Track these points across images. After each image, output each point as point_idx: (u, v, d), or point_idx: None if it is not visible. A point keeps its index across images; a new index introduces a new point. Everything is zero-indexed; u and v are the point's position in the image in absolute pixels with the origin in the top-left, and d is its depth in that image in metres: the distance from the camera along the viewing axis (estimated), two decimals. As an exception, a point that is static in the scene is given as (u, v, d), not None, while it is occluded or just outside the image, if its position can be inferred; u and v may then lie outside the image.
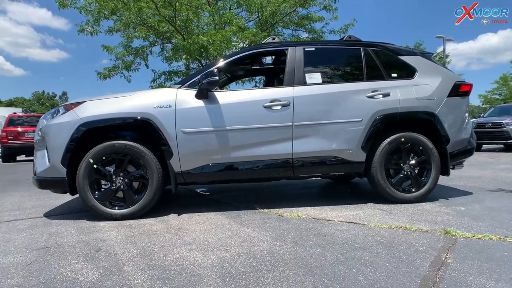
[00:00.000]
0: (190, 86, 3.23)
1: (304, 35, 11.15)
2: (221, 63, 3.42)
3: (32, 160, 12.14)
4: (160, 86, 10.91)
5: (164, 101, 3.11)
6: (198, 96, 3.15)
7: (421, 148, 3.43)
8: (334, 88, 3.38)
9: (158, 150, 3.11)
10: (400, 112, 3.38)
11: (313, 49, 3.56)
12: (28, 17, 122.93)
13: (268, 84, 4.74)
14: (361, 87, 3.40)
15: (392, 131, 3.41)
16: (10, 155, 11.72)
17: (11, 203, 4.08)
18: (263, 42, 3.72)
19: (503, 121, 10.80)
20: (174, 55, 8.97)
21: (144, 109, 3.06)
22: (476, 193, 3.91)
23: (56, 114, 3.14)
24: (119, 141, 3.05)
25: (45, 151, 3.09)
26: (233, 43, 8.61)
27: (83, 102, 3.14)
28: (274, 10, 8.74)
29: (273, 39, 3.69)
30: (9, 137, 11.25)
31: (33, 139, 10.93)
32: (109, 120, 3.04)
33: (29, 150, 11.56)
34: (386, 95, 3.39)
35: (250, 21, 10.76)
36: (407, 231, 2.49)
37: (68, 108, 3.12)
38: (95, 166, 3.01)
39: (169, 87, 3.31)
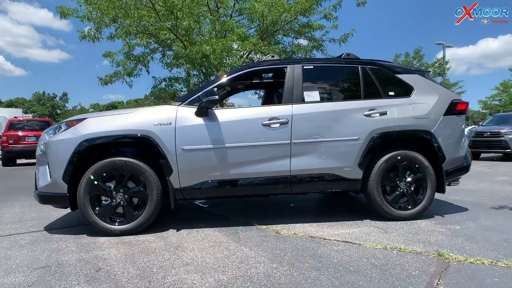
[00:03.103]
0: (190, 104, 3.28)
1: (304, 43, 11.22)
2: (222, 80, 3.48)
3: (31, 164, 12.17)
4: (161, 91, 10.98)
5: (164, 118, 3.16)
6: (198, 113, 3.21)
7: (417, 166, 3.48)
8: (332, 107, 3.43)
9: (158, 166, 3.16)
10: (396, 130, 3.44)
11: (312, 67, 3.62)
12: (29, 17, 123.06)
13: (267, 97, 4.79)
14: (359, 106, 3.46)
15: (389, 149, 3.47)
16: (10, 159, 11.77)
17: (12, 214, 4.12)
18: (263, 59, 3.78)
19: (502, 131, 10.86)
20: (176, 63, 9.04)
21: (145, 126, 3.12)
22: (471, 209, 3.96)
23: (58, 130, 3.19)
24: (120, 158, 3.10)
25: (47, 166, 3.14)
26: (233, 52, 8.68)
27: (85, 119, 3.19)
28: (275, 19, 8.81)
29: (273, 56, 3.75)
30: (10, 141, 11.31)
31: (33, 143, 10.98)
32: (110, 137, 3.09)
33: (29, 154, 11.62)
34: (383, 113, 3.44)
35: (251, 28, 10.84)
36: (401, 252, 2.54)
37: (70, 124, 3.17)
38: (95, 182, 3.06)
39: (169, 104, 3.36)
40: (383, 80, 3.67)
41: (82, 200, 3.04)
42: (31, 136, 11.54)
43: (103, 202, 3.15)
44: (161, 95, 11.34)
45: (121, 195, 3.11)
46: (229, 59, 9.09)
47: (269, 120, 3.26)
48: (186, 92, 11.97)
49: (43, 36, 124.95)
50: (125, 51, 9.83)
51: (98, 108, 64.38)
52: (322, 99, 3.49)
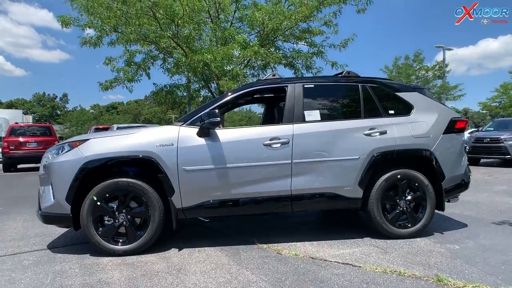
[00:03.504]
0: (192, 124, 3.31)
1: (305, 49, 11.25)
2: (224, 100, 3.52)
3: (32, 169, 12.19)
4: (162, 97, 11.00)
5: (166, 139, 3.20)
6: (200, 134, 3.24)
7: (416, 184, 3.51)
8: (333, 126, 3.46)
9: (160, 186, 3.20)
10: (396, 149, 3.47)
11: (312, 86, 3.66)
12: (29, 17, 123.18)
13: (268, 111, 4.83)
14: (359, 125, 3.49)
15: (389, 167, 3.50)
16: (11, 165, 11.81)
17: (15, 229, 4.16)
18: (264, 78, 3.81)
19: (501, 137, 10.89)
20: (177, 70, 9.08)
21: (147, 147, 3.15)
22: (470, 225, 3.99)
23: (61, 151, 3.22)
24: (122, 179, 3.13)
25: (50, 187, 3.17)
26: (234, 59, 8.71)
27: (88, 139, 3.23)
28: (275, 26, 8.84)
29: (274, 75, 3.78)
30: (11, 147, 11.34)
31: (34, 149, 10.99)
32: (113, 159, 3.13)
33: (30, 160, 11.66)
34: (383, 132, 3.48)
35: (252, 34, 10.87)
36: (401, 276, 2.57)
37: (73, 145, 3.20)
38: (98, 203, 3.09)
39: (171, 124, 3.39)
40: (383, 99, 3.70)
41: (85, 221, 3.07)
42: (32, 142, 11.58)
43: (106, 222, 3.18)
44: (161, 101, 11.38)
45: (123, 215, 3.14)
46: (229, 66, 9.10)
47: (270, 140, 3.30)
48: (187, 97, 12.02)
49: (43, 36, 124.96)
50: (125, 58, 9.85)
51: (98, 109, 64.45)
52: (323, 118, 3.52)
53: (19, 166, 12.77)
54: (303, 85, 3.60)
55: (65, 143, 3.29)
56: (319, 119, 3.50)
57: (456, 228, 3.88)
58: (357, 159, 3.39)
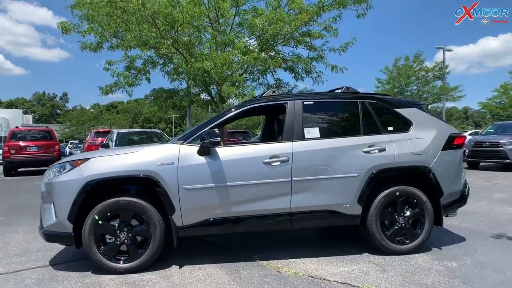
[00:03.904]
0: (193, 142, 3.34)
1: (304, 52, 11.26)
2: (224, 118, 3.55)
3: (32, 173, 12.20)
4: (162, 102, 11.02)
5: (167, 158, 3.22)
6: (200, 153, 3.26)
7: (415, 201, 3.54)
8: (332, 143, 3.49)
9: (160, 205, 3.23)
10: (395, 166, 3.50)
11: (312, 102, 3.68)
12: (29, 16, 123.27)
13: (268, 122, 4.85)
14: (358, 142, 3.52)
15: (387, 184, 3.53)
16: (11, 169, 11.85)
17: (17, 243, 4.19)
18: (263, 95, 3.84)
19: (501, 141, 10.94)
20: (177, 77, 9.10)
21: (148, 166, 3.18)
22: (468, 238, 4.03)
23: (63, 170, 3.25)
24: (124, 198, 3.16)
25: (52, 205, 3.20)
26: (234, 65, 8.72)
27: (89, 158, 3.25)
28: (275, 32, 8.86)
29: (273, 92, 3.81)
30: (11, 152, 11.38)
31: (34, 153, 11.02)
32: (114, 178, 3.16)
33: (30, 164, 11.69)
34: (382, 150, 3.51)
35: (252, 38, 10.88)
36: (399, 298, 2.60)
37: (74, 164, 3.23)
38: (100, 222, 3.12)
39: (172, 142, 3.42)
40: (382, 115, 3.73)
41: (87, 239, 3.10)
42: (32, 146, 11.61)
43: (108, 240, 3.21)
44: (161, 105, 11.40)
45: (125, 234, 3.18)
46: (228, 72, 9.10)
47: (270, 158, 3.32)
48: (187, 100, 12.01)
49: (43, 35, 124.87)
50: (125, 64, 9.87)
51: (98, 108, 64.46)
52: (322, 135, 3.54)
53: (19, 169, 12.80)
54: (303, 102, 3.63)
55: (67, 161, 3.32)
56: (319, 136, 3.53)
57: (454, 242, 3.91)
58: (356, 177, 3.42)
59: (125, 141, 9.52)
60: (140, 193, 3.30)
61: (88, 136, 15.38)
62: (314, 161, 3.40)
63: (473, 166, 11.88)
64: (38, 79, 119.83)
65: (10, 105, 70.86)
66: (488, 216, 5.13)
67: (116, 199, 3.15)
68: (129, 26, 8.34)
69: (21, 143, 11.56)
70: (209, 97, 11.38)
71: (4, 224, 5.16)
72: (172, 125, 67.70)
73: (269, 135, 4.61)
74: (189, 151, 3.28)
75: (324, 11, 9.81)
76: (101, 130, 14.81)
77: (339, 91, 3.95)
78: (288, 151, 3.37)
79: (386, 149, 3.51)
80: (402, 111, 3.77)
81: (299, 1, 9.10)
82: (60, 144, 26.49)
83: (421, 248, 3.57)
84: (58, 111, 78.59)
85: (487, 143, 11.29)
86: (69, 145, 28.67)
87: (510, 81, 31.28)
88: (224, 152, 3.32)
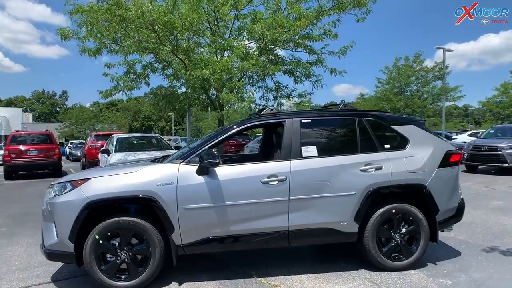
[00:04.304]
0: (192, 162, 3.38)
1: (304, 56, 11.29)
2: (223, 137, 3.59)
3: (33, 176, 12.23)
4: (161, 106, 11.04)
5: (166, 178, 3.27)
6: (199, 173, 3.31)
7: (411, 218, 3.59)
8: (330, 162, 3.53)
9: (160, 224, 3.28)
10: (391, 185, 3.55)
11: (309, 120, 3.73)
12: (27, 13, 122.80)
13: (266, 136, 4.89)
14: (355, 160, 3.57)
15: (384, 202, 3.58)
16: (12, 173, 11.90)
17: (19, 256, 4.25)
18: (262, 113, 3.87)
19: (499, 145, 10.98)
20: (177, 82, 9.14)
21: (147, 187, 3.23)
22: (464, 252, 4.08)
23: (64, 190, 3.30)
24: (124, 218, 3.21)
25: (53, 225, 3.25)
26: (233, 71, 8.74)
27: (90, 178, 3.30)
28: (274, 38, 8.87)
29: (271, 110, 3.85)
30: (12, 155, 11.43)
31: (35, 157, 11.06)
32: (114, 199, 3.21)
33: (30, 168, 11.75)
34: (378, 168, 3.55)
35: (251, 42, 10.87)
36: (393, 320, 2.65)
37: (75, 184, 3.28)
38: (101, 241, 3.18)
39: (171, 161, 3.46)
40: (379, 132, 3.77)
41: (88, 259, 3.16)
42: (32, 150, 11.66)
43: (108, 258, 3.26)
44: (161, 109, 11.43)
45: (125, 253, 3.23)
46: (228, 76, 9.12)
47: (268, 177, 3.37)
48: (186, 104, 12.03)
49: (42, 32, 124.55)
50: (125, 69, 9.88)
51: (98, 106, 64.42)
52: (320, 154, 3.58)
53: (20, 172, 12.87)
54: (300, 120, 3.67)
55: (68, 181, 3.36)
56: (316, 154, 3.57)
57: (450, 257, 3.96)
58: (353, 195, 3.47)
59: (125, 146, 9.57)
60: (139, 211, 3.35)
61: (88, 139, 15.43)
62: (311, 180, 3.45)
63: (472, 169, 11.94)
64: (38, 76, 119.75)
65: (9, 103, 70.80)
66: (484, 227, 5.19)
67: (116, 219, 3.20)
68: (128, 32, 8.35)
69: (22, 147, 11.62)
70: (208, 100, 11.40)
71: (6, 235, 5.21)
72: (172, 123, 67.74)
73: (268, 148, 4.67)
74: (188, 171, 3.33)
75: (324, 15, 9.80)
76: (101, 133, 14.85)
77: (336, 107, 3.99)
78: (286, 170, 3.42)
79: (383, 168, 3.56)
80: (399, 128, 3.81)
81: (298, 7, 9.10)
82: (61, 144, 26.61)
83: (417, 264, 3.63)
84: (58, 109, 78.56)
85: (486, 146, 11.34)
86: (69, 145, 28.65)
87: (511, 80, 31.26)
88: (223, 172, 3.37)
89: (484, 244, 4.37)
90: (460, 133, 24.74)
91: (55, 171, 12.47)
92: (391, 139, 3.78)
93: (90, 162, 12.95)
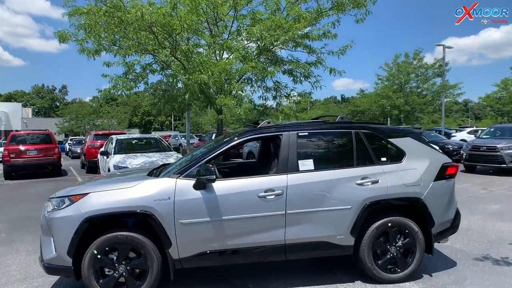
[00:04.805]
0: (189, 176, 3.40)
1: (303, 56, 11.25)
2: (220, 150, 3.60)
3: (33, 176, 12.22)
4: (160, 106, 11.04)
5: (163, 193, 3.29)
6: (196, 187, 3.33)
7: (407, 231, 3.62)
8: (326, 176, 3.55)
9: (157, 238, 3.30)
10: (388, 198, 3.57)
11: (306, 133, 3.74)
12: (26, 6, 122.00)
13: (264, 145, 4.90)
14: (351, 174, 3.58)
15: (380, 215, 3.60)
16: (12, 172, 11.94)
17: (18, 265, 4.29)
18: (259, 126, 3.88)
19: (498, 145, 11.00)
20: (175, 86, 9.14)
21: (145, 202, 3.24)
22: (459, 263, 4.11)
23: (62, 205, 3.32)
24: (122, 233, 3.24)
25: (52, 239, 3.28)
26: (232, 74, 8.73)
27: (88, 193, 3.32)
28: (273, 41, 8.84)
29: (269, 122, 3.85)
30: (11, 155, 11.45)
31: (34, 156, 11.08)
32: (112, 214, 3.23)
33: (30, 168, 11.77)
34: (375, 182, 3.57)
35: (250, 42, 10.82)
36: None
37: (73, 199, 3.30)
38: (99, 256, 3.20)
39: (168, 175, 3.48)
40: (375, 145, 3.78)
41: (86, 273, 3.19)
42: (32, 150, 11.68)
43: (107, 273, 3.29)
44: (160, 109, 11.43)
45: (123, 267, 3.26)
46: (226, 77, 9.09)
47: (265, 192, 3.38)
48: (186, 104, 12.03)
49: (41, 25, 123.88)
50: (124, 70, 9.86)
51: (98, 101, 64.19)
52: (317, 167, 3.59)
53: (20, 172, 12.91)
54: (297, 133, 3.68)
55: (66, 196, 3.38)
56: (313, 168, 3.58)
57: (445, 267, 3.99)
58: (350, 209, 3.49)
59: (124, 147, 9.58)
60: (137, 225, 3.38)
61: (88, 138, 15.43)
62: (308, 194, 3.47)
63: (470, 169, 11.97)
64: (37, 70, 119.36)
65: (9, 98, 70.68)
66: (481, 234, 5.22)
67: (114, 234, 3.23)
68: (126, 34, 8.32)
69: (21, 147, 11.63)
70: (208, 100, 11.38)
71: (6, 242, 5.25)
72: (172, 118, 67.65)
73: (266, 157, 4.70)
74: (185, 186, 3.34)
75: (323, 16, 9.75)
76: (100, 133, 14.84)
77: (326, 118, 3.99)
78: (282, 184, 3.43)
79: (379, 181, 3.57)
80: (395, 141, 3.82)
81: (298, 9, 9.05)
82: (60, 142, 26.48)
83: (412, 276, 3.66)
84: (58, 104, 78.41)
85: (485, 147, 11.36)
86: (69, 141, 28.62)
87: (511, 77, 31.16)
88: (220, 186, 3.38)
89: (480, 253, 4.41)
90: (460, 130, 24.77)
91: (55, 170, 12.50)
92: (388, 151, 3.80)
93: (90, 161, 12.99)
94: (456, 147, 14.44)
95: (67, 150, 27.47)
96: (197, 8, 8.33)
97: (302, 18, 8.87)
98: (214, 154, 3.57)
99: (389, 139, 3.82)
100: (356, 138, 3.75)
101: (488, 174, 11.38)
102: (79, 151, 20.51)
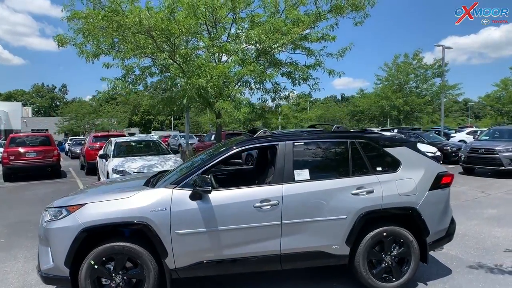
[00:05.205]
0: (185, 186, 3.42)
1: (302, 58, 11.24)
2: (216, 161, 3.61)
3: (33, 178, 12.23)
4: (158, 109, 11.05)
5: (160, 203, 3.31)
6: (192, 198, 3.36)
7: (402, 240, 3.65)
8: (321, 186, 3.57)
9: (154, 248, 3.33)
10: (383, 208, 3.60)
11: (302, 143, 3.76)
12: (26, 5, 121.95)
13: (261, 153, 4.92)
14: (347, 184, 3.61)
15: (375, 224, 3.62)
16: (11, 174, 11.96)
17: (16, 273, 4.32)
18: (255, 135, 3.89)
19: (496, 148, 11.02)
20: (173, 90, 9.15)
21: (141, 213, 3.27)
22: (454, 271, 4.14)
23: (59, 215, 3.35)
24: (118, 243, 3.27)
25: (49, 249, 3.31)
26: (231, 78, 8.72)
27: (85, 204, 3.34)
28: (271, 44, 8.83)
29: (265, 132, 3.87)
30: (10, 158, 11.47)
31: (34, 159, 11.11)
32: (109, 224, 3.26)
33: (29, 170, 11.79)
34: (370, 192, 3.59)
35: (249, 45, 10.81)
36: None
37: (70, 210, 3.32)
38: (96, 266, 3.23)
39: (165, 186, 3.50)
40: (371, 154, 3.80)
41: (83, 283, 3.21)
42: (31, 152, 11.70)
43: (104, 282, 3.32)
44: (158, 111, 11.45)
45: (120, 277, 3.29)
46: (225, 80, 9.09)
47: (261, 202, 3.41)
48: (184, 107, 12.02)
49: (41, 24, 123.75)
50: (122, 73, 9.85)
51: (98, 101, 64.19)
52: (312, 177, 3.61)
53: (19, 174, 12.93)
54: (293, 143, 3.70)
55: (63, 206, 3.40)
56: (309, 178, 3.61)
57: (440, 275, 4.02)
58: (345, 219, 3.51)
59: (123, 150, 9.60)
60: (134, 235, 3.40)
61: (87, 139, 15.44)
62: (304, 204, 3.49)
63: (469, 171, 11.99)
64: (37, 69, 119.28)
65: (9, 97, 70.65)
66: (477, 240, 5.25)
67: (111, 244, 3.25)
68: (125, 37, 8.31)
69: (20, 149, 11.66)
70: (207, 103, 11.38)
71: (4, 248, 5.28)
72: (172, 117, 67.64)
73: (263, 164, 4.72)
74: (181, 196, 3.37)
75: (321, 19, 9.74)
76: (99, 135, 14.86)
77: (323, 126, 4.01)
78: (278, 195, 3.46)
79: (374, 191, 3.60)
80: (391, 150, 3.84)
81: (296, 12, 9.04)
82: (59, 143, 26.50)
83: (407, 285, 3.69)
84: (58, 103, 78.38)
85: (483, 149, 11.38)
86: (68, 142, 28.63)
87: (511, 77, 31.16)
88: (216, 196, 3.41)
89: (475, 261, 4.43)
90: (459, 131, 24.77)
91: (54, 172, 12.52)
92: (383, 161, 3.82)
93: (89, 163, 13.01)
94: (455, 149, 14.46)
95: (67, 150, 27.52)
96: (195, 12, 8.31)
97: (300, 21, 8.86)
98: (211, 164, 3.59)
99: (385, 149, 3.85)
100: (352, 147, 3.77)
101: (486, 177, 11.40)
102: (78, 151, 20.53)
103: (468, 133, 21.10)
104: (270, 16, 10.20)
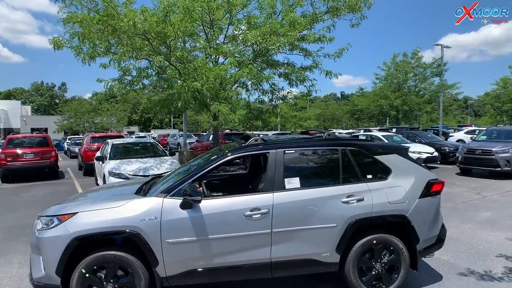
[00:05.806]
0: (176, 195, 3.44)
1: (299, 59, 11.23)
2: (208, 169, 3.63)
3: (31, 179, 12.26)
4: (156, 110, 11.07)
5: (150, 212, 3.34)
6: (182, 207, 3.38)
7: (392, 248, 3.67)
8: (312, 194, 3.59)
9: (144, 257, 3.35)
10: (373, 216, 3.62)
11: (293, 151, 3.78)
12: (25, 2, 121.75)
13: (253, 159, 4.94)
14: (337, 192, 3.62)
15: (365, 232, 3.65)
16: (9, 175, 11.99)
17: (10, 279, 4.34)
18: (246, 143, 3.91)
19: (493, 149, 11.03)
20: (170, 92, 9.17)
21: (132, 222, 3.29)
22: (445, 277, 4.16)
23: (51, 224, 3.37)
24: (109, 252, 3.29)
25: (41, 258, 3.34)
26: (227, 80, 8.73)
27: (76, 213, 3.36)
28: (268, 46, 8.84)
29: (256, 140, 3.89)
30: (8, 159, 11.50)
31: (31, 160, 11.13)
32: (99, 234, 3.28)
33: (27, 171, 11.81)
34: (360, 200, 3.61)
35: (246, 46, 10.81)
36: None
37: (61, 219, 3.35)
38: (87, 275, 3.26)
39: (156, 195, 3.51)
40: (361, 162, 3.82)
41: (74, 293, 3.24)
42: (29, 153, 11.72)
43: (95, 291, 3.35)
44: (156, 112, 11.46)
45: (111, 285, 3.32)
46: (221, 82, 9.10)
47: (251, 211, 3.43)
48: (182, 108, 12.03)
49: (40, 22, 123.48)
50: (119, 74, 9.86)
51: (97, 100, 64.17)
52: (303, 185, 3.63)
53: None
54: (284, 151, 3.72)
55: (55, 216, 3.42)
56: (299, 186, 3.63)
57: (431, 281, 4.05)
58: (335, 227, 3.54)
59: (120, 152, 9.61)
60: (125, 244, 3.42)
61: (84, 140, 15.46)
62: (294, 213, 3.51)
63: (466, 172, 12.01)
64: (36, 67, 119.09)
65: (8, 95, 70.62)
66: (469, 244, 5.27)
67: (102, 253, 3.28)
68: (121, 40, 8.32)
69: (18, 150, 11.68)
70: (204, 105, 11.39)
71: (-1, 252, 5.31)
72: (171, 116, 67.59)
73: (256, 169, 4.74)
74: (172, 205, 3.39)
75: (318, 21, 9.74)
76: (97, 135, 14.87)
77: (311, 134, 4.02)
78: (268, 203, 3.48)
79: (364, 199, 3.62)
80: (382, 158, 3.86)
81: (293, 15, 9.04)
82: (57, 144, 26.47)
83: (397, 291, 3.72)
84: (57, 101, 78.34)
85: (480, 150, 11.39)
86: (67, 141, 28.64)
87: (511, 76, 31.13)
88: (206, 205, 3.43)
89: (467, 267, 4.46)
90: (458, 130, 24.76)
91: (52, 173, 12.55)
92: (374, 169, 3.83)
93: (86, 164, 13.04)
94: (453, 149, 14.47)
95: (66, 149, 27.54)
96: (191, 14, 8.31)
97: (297, 23, 8.86)
98: (201, 173, 3.61)
99: (376, 156, 3.86)
100: (342, 155, 3.79)
101: (483, 177, 11.42)
102: (77, 150, 20.54)
103: (467, 133, 21.08)
104: (267, 17, 10.20)
